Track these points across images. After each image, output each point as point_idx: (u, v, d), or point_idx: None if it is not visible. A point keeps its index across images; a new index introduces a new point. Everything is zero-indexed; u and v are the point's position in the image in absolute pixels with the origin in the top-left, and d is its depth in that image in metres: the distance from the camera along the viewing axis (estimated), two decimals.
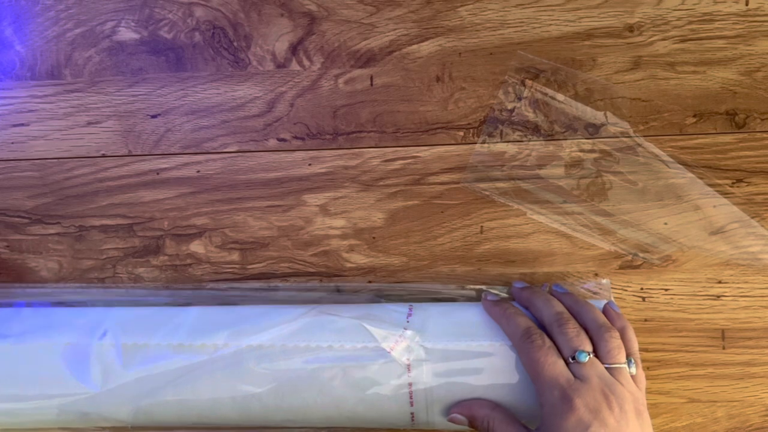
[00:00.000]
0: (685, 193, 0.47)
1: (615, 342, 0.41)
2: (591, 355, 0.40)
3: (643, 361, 0.47)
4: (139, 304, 0.47)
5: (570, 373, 0.40)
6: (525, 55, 0.47)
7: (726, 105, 0.47)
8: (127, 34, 0.48)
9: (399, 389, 0.41)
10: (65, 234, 0.49)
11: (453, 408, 0.42)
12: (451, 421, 0.42)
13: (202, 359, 0.42)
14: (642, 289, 0.47)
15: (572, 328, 0.41)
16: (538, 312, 0.43)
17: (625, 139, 0.47)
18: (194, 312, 0.45)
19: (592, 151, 0.47)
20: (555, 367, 0.40)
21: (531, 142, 0.47)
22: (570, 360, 0.40)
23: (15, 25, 0.49)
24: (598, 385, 0.39)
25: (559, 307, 0.43)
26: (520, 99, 0.47)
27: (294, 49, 0.48)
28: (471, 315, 0.44)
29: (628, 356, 0.42)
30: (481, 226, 0.48)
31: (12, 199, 0.49)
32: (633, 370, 0.41)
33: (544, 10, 0.47)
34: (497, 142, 0.47)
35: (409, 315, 0.43)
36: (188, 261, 0.48)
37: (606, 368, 0.40)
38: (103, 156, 0.49)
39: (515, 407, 0.41)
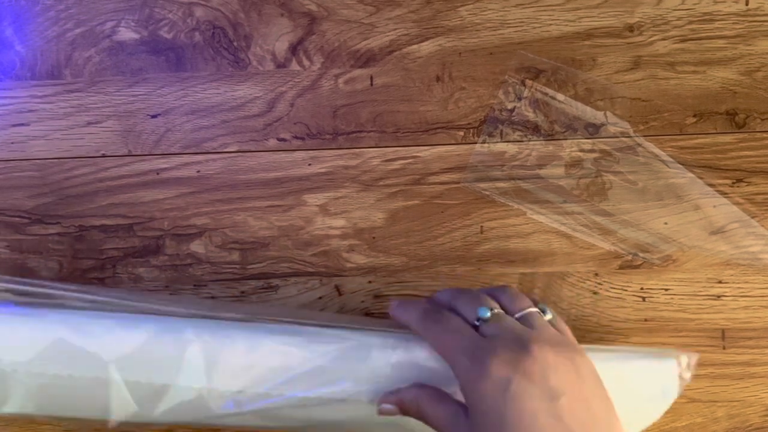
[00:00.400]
0: (685, 192, 0.47)
1: (515, 291, 0.38)
2: (495, 310, 0.37)
3: None
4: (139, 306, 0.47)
5: (476, 335, 0.35)
6: (525, 54, 0.47)
7: (726, 105, 0.47)
8: (127, 34, 0.48)
9: None
10: (65, 234, 0.49)
11: (380, 398, 0.38)
12: (381, 413, 0.38)
13: (223, 408, 0.40)
14: (642, 289, 0.47)
15: (470, 294, 0.38)
16: (436, 300, 0.41)
17: (625, 139, 0.47)
18: (205, 346, 0.40)
19: (592, 150, 0.47)
20: (459, 334, 0.36)
21: (531, 142, 0.47)
22: (475, 323, 0.36)
23: (15, 25, 0.49)
24: (510, 336, 0.34)
25: (454, 289, 0.41)
26: (520, 99, 0.47)
27: (294, 49, 0.48)
28: None
29: (538, 304, 0.38)
30: (481, 226, 0.48)
31: (12, 199, 0.49)
32: (549, 316, 0.37)
33: (544, 10, 0.47)
34: (497, 142, 0.47)
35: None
36: (188, 261, 0.48)
37: (516, 319, 0.37)
38: (103, 156, 0.49)
39: None
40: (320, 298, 0.48)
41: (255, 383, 0.39)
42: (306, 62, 0.48)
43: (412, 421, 0.38)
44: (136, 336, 0.40)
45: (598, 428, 0.32)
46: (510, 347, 0.33)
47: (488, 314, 0.36)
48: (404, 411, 0.37)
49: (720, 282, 0.47)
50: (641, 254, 0.47)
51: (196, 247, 0.48)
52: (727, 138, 0.47)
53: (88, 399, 0.40)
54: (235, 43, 0.48)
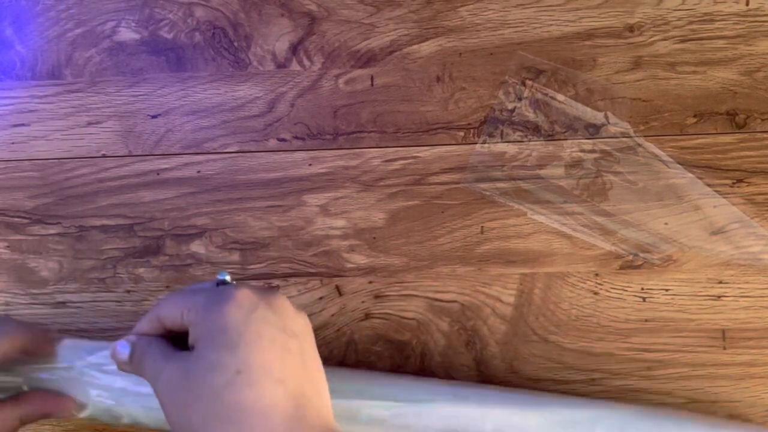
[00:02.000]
0: (685, 193, 0.47)
1: None
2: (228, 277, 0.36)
3: (644, 361, 0.47)
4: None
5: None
6: (525, 55, 0.47)
7: (726, 105, 0.47)
8: (127, 34, 0.48)
9: None
10: (65, 234, 0.49)
11: (127, 339, 0.36)
12: (114, 357, 0.36)
13: None
14: (642, 289, 0.47)
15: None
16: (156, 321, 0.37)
17: (625, 140, 0.47)
18: None
19: (592, 151, 0.47)
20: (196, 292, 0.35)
21: (531, 143, 0.47)
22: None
23: (15, 25, 0.49)
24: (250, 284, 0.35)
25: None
26: (520, 99, 0.47)
27: (294, 49, 0.48)
28: None
29: None
30: (482, 227, 0.48)
31: (12, 199, 0.49)
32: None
33: (545, 10, 0.47)
34: (497, 143, 0.47)
35: None
36: (189, 261, 0.48)
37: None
38: (104, 156, 0.49)
39: None
40: (321, 298, 0.48)
41: None
42: (306, 62, 0.48)
43: None
44: None
45: (316, 379, 0.33)
46: (253, 287, 0.34)
47: (225, 277, 0.36)
48: (129, 362, 0.36)
49: (720, 282, 0.47)
50: (641, 254, 0.47)
51: (197, 247, 0.48)
52: (728, 138, 0.47)
53: None
54: (235, 44, 0.48)
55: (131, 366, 0.35)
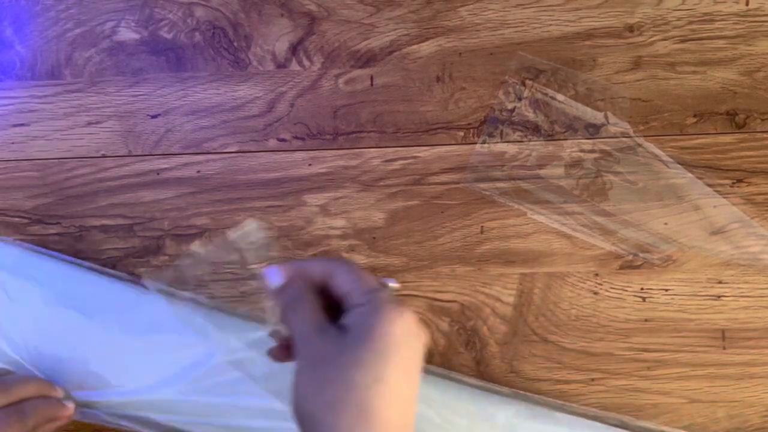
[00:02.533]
0: (685, 193, 0.47)
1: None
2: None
3: (643, 361, 0.47)
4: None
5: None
6: (525, 55, 0.47)
7: (726, 105, 0.47)
8: (127, 34, 0.48)
9: None
10: (65, 234, 0.49)
11: (275, 268, 0.36)
12: (265, 277, 0.36)
13: None
14: (642, 289, 0.47)
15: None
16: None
17: (625, 139, 0.47)
18: None
19: (592, 151, 0.47)
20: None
21: (531, 143, 0.47)
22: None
23: (15, 25, 0.49)
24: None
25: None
26: (520, 99, 0.47)
27: (294, 49, 0.48)
28: None
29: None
30: (482, 226, 0.48)
31: (12, 199, 0.49)
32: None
33: (545, 10, 0.47)
34: (497, 142, 0.47)
35: None
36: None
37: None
38: (104, 156, 0.49)
39: None
40: None
41: None
42: (306, 62, 0.48)
43: None
44: None
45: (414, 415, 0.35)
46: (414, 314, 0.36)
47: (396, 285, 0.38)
48: (277, 295, 0.36)
49: (720, 282, 0.47)
50: (641, 254, 0.47)
51: (197, 247, 0.48)
52: (728, 138, 0.47)
53: None
54: (235, 44, 0.48)
55: (275, 299, 0.36)
